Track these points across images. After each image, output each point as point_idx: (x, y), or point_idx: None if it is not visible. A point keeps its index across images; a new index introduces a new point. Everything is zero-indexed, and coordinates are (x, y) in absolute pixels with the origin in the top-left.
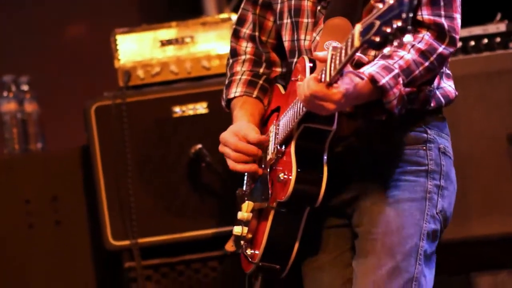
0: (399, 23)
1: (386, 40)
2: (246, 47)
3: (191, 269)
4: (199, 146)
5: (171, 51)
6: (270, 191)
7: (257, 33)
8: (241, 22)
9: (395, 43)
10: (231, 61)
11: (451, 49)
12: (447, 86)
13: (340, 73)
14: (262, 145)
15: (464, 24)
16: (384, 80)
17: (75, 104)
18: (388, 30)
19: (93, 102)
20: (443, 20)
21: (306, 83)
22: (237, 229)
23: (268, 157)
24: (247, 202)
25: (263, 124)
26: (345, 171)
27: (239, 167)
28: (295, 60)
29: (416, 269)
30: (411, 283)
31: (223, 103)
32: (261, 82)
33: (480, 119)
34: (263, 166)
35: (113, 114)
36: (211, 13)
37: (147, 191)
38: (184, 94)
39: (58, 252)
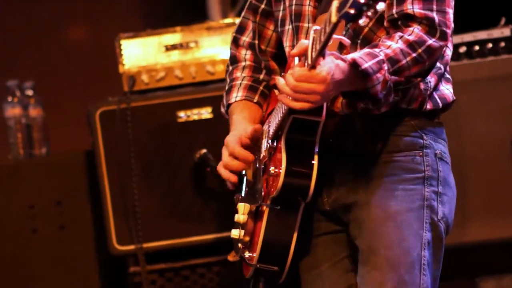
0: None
1: (361, 12)
2: (245, 54)
3: (196, 274)
4: (204, 150)
5: (175, 56)
6: (264, 190)
7: (256, 41)
8: (241, 30)
9: (369, 14)
10: (230, 68)
11: (442, 43)
12: (445, 89)
13: (321, 53)
14: (258, 138)
15: (469, 29)
16: (367, 64)
17: (79, 109)
18: (362, 1)
19: (98, 107)
20: (434, 14)
21: (290, 72)
22: (235, 232)
23: (261, 155)
24: (243, 204)
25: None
26: (341, 176)
27: (222, 171)
28: None
29: (422, 280)
30: None
31: (223, 109)
32: (261, 88)
33: (484, 123)
34: (257, 165)
35: (118, 119)
36: (216, 18)
37: (151, 196)
38: (189, 99)
39: (63, 257)
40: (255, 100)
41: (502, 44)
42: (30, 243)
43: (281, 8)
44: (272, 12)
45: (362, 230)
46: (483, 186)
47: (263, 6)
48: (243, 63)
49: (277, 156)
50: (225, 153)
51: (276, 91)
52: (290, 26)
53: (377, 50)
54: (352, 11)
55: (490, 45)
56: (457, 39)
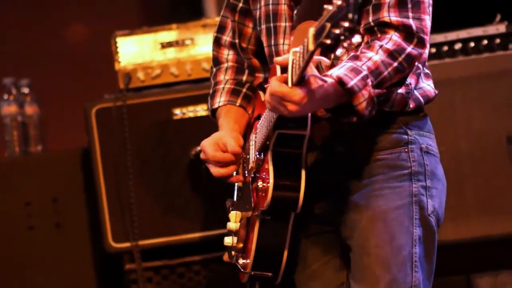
0: (346, 24)
1: (337, 42)
2: (228, 54)
3: (192, 271)
4: (200, 148)
5: (171, 53)
6: (253, 200)
7: (237, 40)
8: (221, 29)
9: (345, 45)
10: (214, 69)
11: (420, 50)
12: (426, 85)
13: (302, 77)
14: (238, 156)
15: (464, 26)
16: (353, 82)
17: (75, 106)
18: (337, 31)
19: (94, 104)
20: (411, 21)
21: (270, 83)
22: (228, 240)
23: (250, 165)
24: (234, 212)
25: (248, 133)
26: (327, 178)
27: (223, 171)
28: None
29: (414, 277)
30: None
31: (209, 113)
32: (244, 90)
33: (480, 120)
34: (246, 175)
35: (114, 116)
36: (212, 15)
37: (147, 193)
38: (185, 96)
39: (59, 254)
40: (237, 104)
41: (497, 40)
42: (26, 241)
43: (257, 6)
44: (251, 10)
45: (353, 231)
46: (479, 182)
47: (241, 4)
48: (225, 65)
49: (265, 168)
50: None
51: (261, 93)
52: (265, 26)
53: (359, 63)
54: (328, 41)
55: (485, 41)
56: (453, 35)
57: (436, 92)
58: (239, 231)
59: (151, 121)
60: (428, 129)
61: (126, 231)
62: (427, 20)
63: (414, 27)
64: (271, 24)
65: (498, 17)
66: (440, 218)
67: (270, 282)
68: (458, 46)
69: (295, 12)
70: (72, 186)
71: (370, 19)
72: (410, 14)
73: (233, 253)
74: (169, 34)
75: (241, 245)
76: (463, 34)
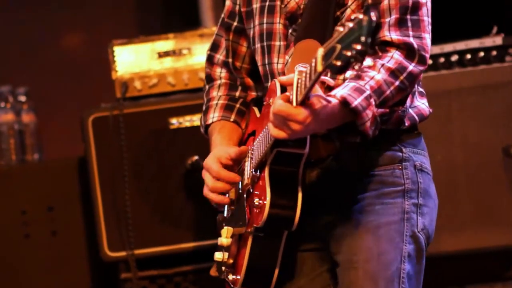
0: (359, 47)
1: (348, 64)
2: (220, 72)
3: (188, 281)
4: (196, 157)
5: (168, 63)
6: (247, 216)
7: (230, 60)
8: (214, 47)
9: (356, 67)
10: (207, 87)
11: (421, 67)
12: (421, 104)
13: (306, 97)
14: (241, 159)
15: (461, 37)
16: (357, 102)
17: (72, 115)
18: (349, 53)
19: (91, 113)
20: (412, 40)
21: (275, 102)
22: (218, 255)
23: (244, 182)
24: (226, 228)
25: None
26: (321, 195)
27: (212, 196)
28: (269, 84)
29: None
30: None
31: (202, 130)
32: (237, 105)
33: (476, 132)
34: (240, 191)
35: (110, 125)
36: (208, 25)
37: (143, 202)
38: (181, 105)
39: (54, 263)
40: (231, 119)
41: (494, 52)
42: (22, 249)
43: (251, 26)
44: (245, 29)
45: (342, 246)
46: (474, 194)
47: (235, 23)
48: (218, 82)
49: (261, 185)
50: (208, 176)
51: (255, 109)
52: (260, 45)
53: (362, 83)
54: (338, 63)
55: (482, 53)
56: (449, 47)
57: (431, 110)
58: (230, 247)
59: (147, 130)
60: (422, 147)
61: (122, 240)
62: (428, 39)
63: (415, 45)
64: (265, 43)
65: (495, 29)
66: (430, 236)
67: None
68: (454, 58)
69: (290, 31)
70: (68, 194)
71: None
72: (411, 33)
73: (223, 268)
74: (166, 44)
75: (231, 261)
76: (460, 46)
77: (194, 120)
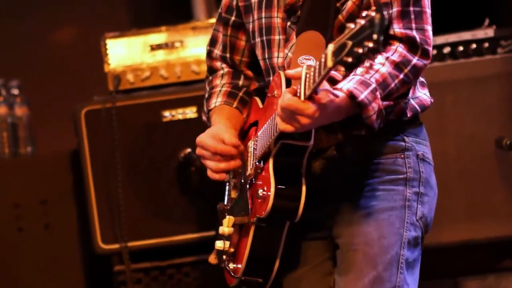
0: (371, 44)
1: (359, 61)
2: (221, 64)
3: (181, 273)
4: (189, 150)
5: (161, 56)
6: (250, 206)
7: (228, 55)
8: (212, 43)
9: (367, 64)
10: (210, 77)
11: (425, 61)
12: (422, 95)
13: (314, 91)
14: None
15: (453, 29)
16: (363, 95)
17: (65, 108)
18: (360, 51)
19: (83, 106)
20: (414, 33)
21: (282, 96)
22: (219, 244)
23: (247, 172)
24: (228, 217)
25: (242, 137)
26: (324, 184)
27: (223, 166)
28: (271, 78)
29: (398, 278)
30: None
31: (204, 117)
32: (240, 94)
33: (469, 124)
34: (242, 181)
35: (103, 118)
36: (201, 18)
37: (136, 195)
38: (174, 98)
39: (48, 256)
40: (234, 106)
41: (486, 44)
42: (15, 242)
43: (250, 20)
44: (243, 23)
45: (343, 229)
46: (467, 186)
47: (233, 18)
48: (221, 72)
49: (264, 176)
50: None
51: (257, 99)
52: (259, 39)
53: (367, 76)
54: (350, 60)
55: (474, 45)
56: (442, 39)
57: (432, 100)
58: (232, 236)
59: (140, 123)
60: (423, 137)
61: (115, 233)
62: (430, 31)
63: (418, 39)
64: (265, 38)
65: (487, 22)
66: (428, 225)
67: (260, 286)
68: (447, 50)
69: (288, 24)
70: (61, 187)
71: None
72: (413, 25)
73: (224, 257)
74: (159, 37)
75: (232, 249)
76: (452, 38)
77: (186, 112)
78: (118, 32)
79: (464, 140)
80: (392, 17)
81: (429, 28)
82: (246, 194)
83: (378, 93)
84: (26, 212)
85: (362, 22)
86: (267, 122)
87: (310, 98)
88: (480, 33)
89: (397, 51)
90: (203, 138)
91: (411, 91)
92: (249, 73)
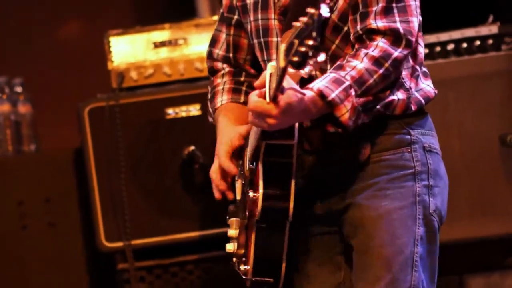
0: (311, 42)
1: (304, 60)
2: (222, 64)
3: (185, 271)
4: (192, 147)
5: (164, 53)
6: (248, 208)
7: (231, 54)
8: (213, 43)
9: (311, 63)
10: (212, 78)
11: (406, 52)
12: (426, 86)
13: (279, 91)
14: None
15: (457, 26)
16: (334, 94)
17: (68, 105)
18: (303, 49)
19: (87, 104)
20: (398, 25)
21: (249, 98)
22: (229, 247)
23: (245, 174)
24: (234, 219)
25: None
26: (331, 180)
27: (217, 195)
28: None
29: (413, 277)
30: None
31: (210, 119)
32: (244, 88)
33: (472, 121)
34: (243, 182)
35: (107, 116)
36: (204, 15)
37: (140, 193)
38: (177, 95)
39: (51, 254)
40: (241, 101)
41: (490, 41)
42: (19, 240)
43: (247, 20)
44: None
45: (356, 230)
46: (471, 183)
47: (236, 17)
48: (222, 71)
49: (256, 178)
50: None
51: None
52: (257, 41)
53: (342, 73)
54: (295, 59)
55: (478, 42)
56: (445, 36)
57: (436, 91)
58: (239, 238)
59: (144, 120)
60: (429, 127)
61: (118, 231)
62: (415, 22)
63: (401, 30)
64: (262, 40)
65: (491, 18)
66: (442, 216)
67: (272, 286)
68: (450, 46)
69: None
70: (65, 185)
71: (358, 27)
72: (397, 18)
73: (234, 259)
74: (162, 34)
75: (242, 251)
76: (456, 34)
77: (190, 110)
78: (121, 29)
79: (468, 137)
80: (376, 13)
81: (414, 19)
82: (245, 196)
83: (352, 90)
84: (29, 210)
85: (305, 19)
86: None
87: (276, 99)
88: (484, 30)
89: (378, 46)
90: (212, 175)
91: (413, 85)
92: (252, 71)
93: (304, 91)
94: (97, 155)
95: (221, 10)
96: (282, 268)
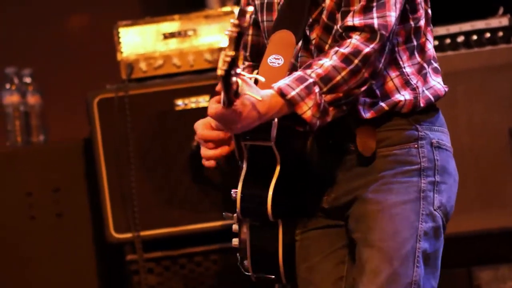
0: (230, 53)
1: (229, 70)
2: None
3: (193, 262)
4: None
5: (173, 44)
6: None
7: (248, 54)
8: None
9: (233, 73)
10: None
11: (377, 46)
12: (436, 83)
13: (231, 96)
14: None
15: (467, 18)
16: (294, 92)
17: (77, 96)
18: (228, 59)
19: (96, 95)
20: (374, 20)
21: (209, 104)
22: (234, 242)
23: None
24: (235, 214)
25: None
26: (339, 175)
27: (210, 153)
28: None
29: (415, 272)
30: (410, 287)
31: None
32: None
33: (482, 113)
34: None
35: (116, 107)
36: (214, 6)
37: (149, 184)
38: (187, 87)
39: (60, 244)
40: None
41: (500, 33)
42: (28, 231)
43: (260, 20)
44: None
45: (359, 224)
46: (480, 176)
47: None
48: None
49: (240, 177)
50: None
51: None
52: (266, 41)
53: (309, 71)
54: (224, 68)
55: (488, 34)
56: (455, 28)
57: (446, 89)
58: (240, 233)
59: (153, 111)
60: (440, 123)
61: (127, 222)
62: (392, 16)
63: (376, 25)
64: (266, 41)
65: (501, 10)
66: (448, 212)
67: (277, 282)
68: (460, 39)
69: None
70: (74, 176)
71: (338, 25)
72: (375, 15)
73: (237, 254)
74: (172, 25)
75: (243, 246)
76: (466, 27)
77: (199, 101)
78: (131, 20)
79: (477, 129)
80: (355, 11)
81: (392, 14)
82: None
83: (316, 87)
84: (38, 200)
85: (227, 32)
86: None
87: (231, 103)
88: (494, 22)
89: (351, 43)
90: (196, 126)
91: (421, 83)
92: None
93: (265, 91)
94: (106, 146)
95: (240, 6)
96: (279, 264)
